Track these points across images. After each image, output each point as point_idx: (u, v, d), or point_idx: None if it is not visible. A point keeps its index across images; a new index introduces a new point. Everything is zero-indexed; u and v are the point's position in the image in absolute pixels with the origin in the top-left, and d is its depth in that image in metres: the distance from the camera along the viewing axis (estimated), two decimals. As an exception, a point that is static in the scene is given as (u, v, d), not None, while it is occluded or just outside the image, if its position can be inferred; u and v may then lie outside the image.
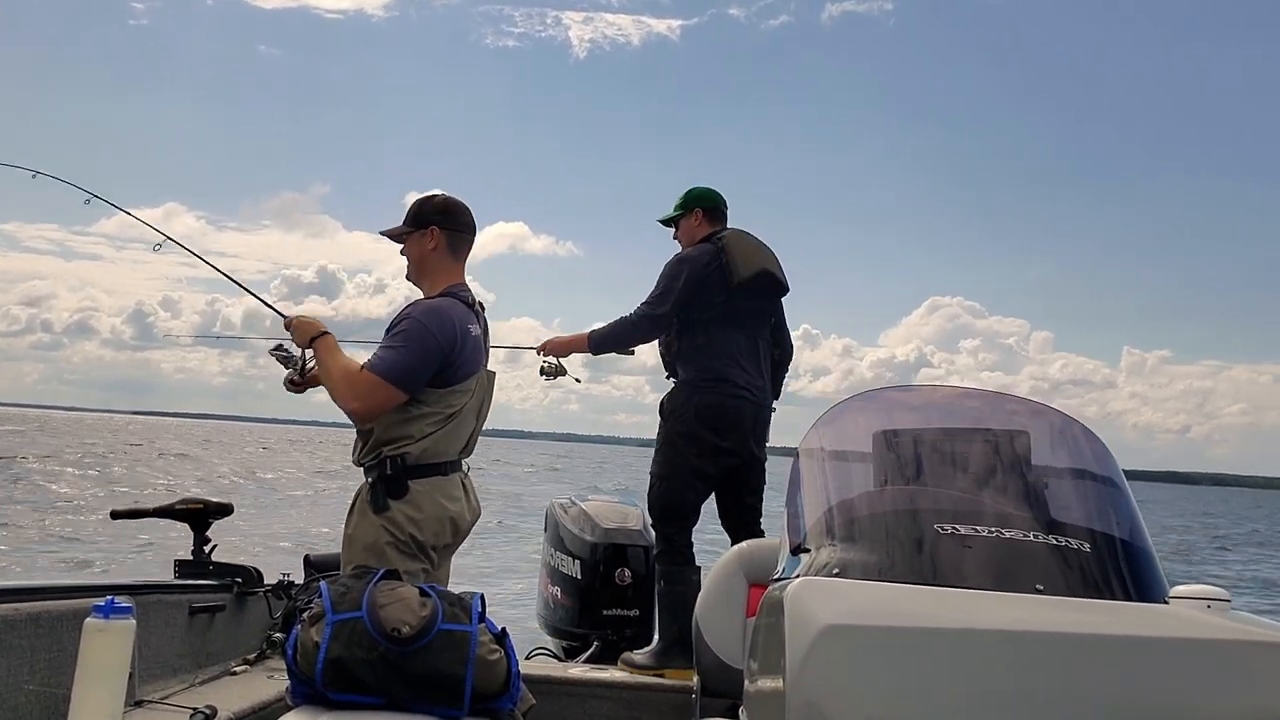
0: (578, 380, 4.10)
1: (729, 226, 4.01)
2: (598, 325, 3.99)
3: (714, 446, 3.77)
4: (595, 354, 4.00)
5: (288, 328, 3.08)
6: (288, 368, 3.14)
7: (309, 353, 3.05)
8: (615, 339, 3.94)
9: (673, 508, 3.79)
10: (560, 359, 3.99)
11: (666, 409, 3.86)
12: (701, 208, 4.01)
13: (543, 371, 4.00)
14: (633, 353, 4.06)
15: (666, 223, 4.10)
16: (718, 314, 3.81)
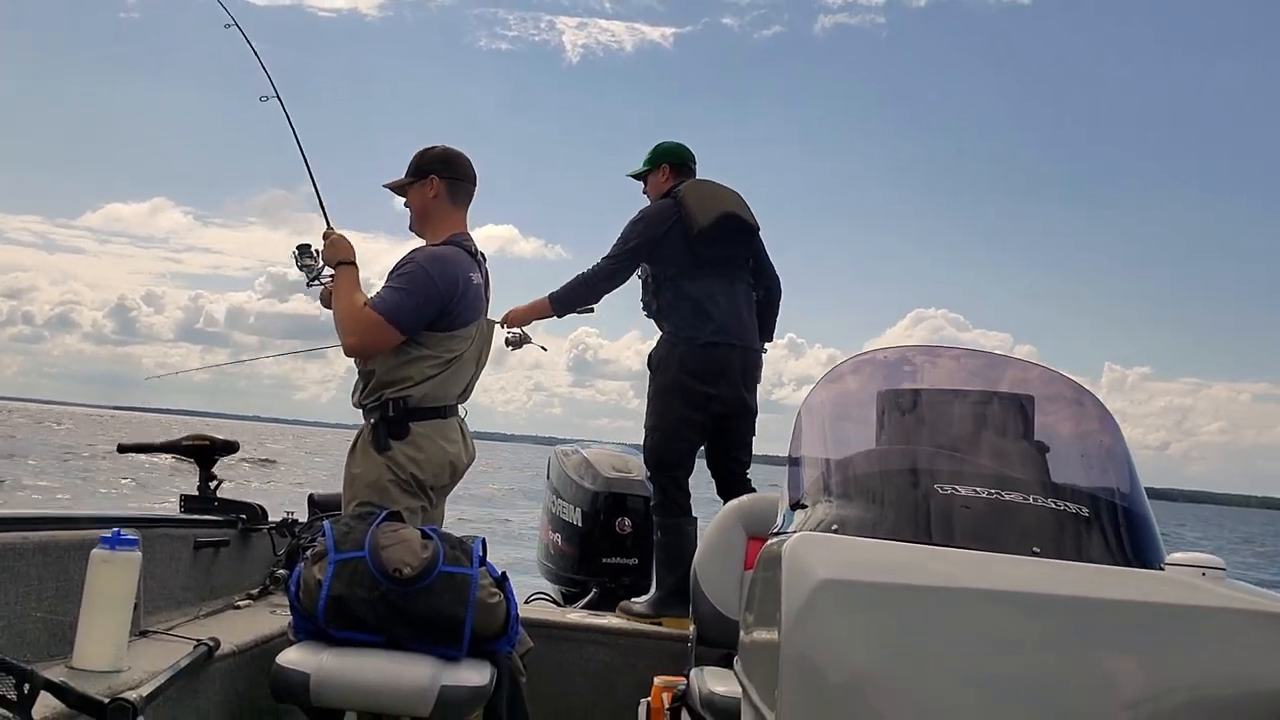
0: (544, 348, 4.10)
1: (685, 181, 3.99)
2: (554, 290, 3.95)
3: (703, 394, 3.79)
4: (560, 315, 4.00)
5: (326, 237, 3.13)
6: (301, 270, 3.17)
7: (328, 271, 3.09)
8: (576, 296, 3.95)
9: (666, 459, 3.82)
10: (523, 328, 3.99)
11: (654, 362, 3.89)
12: (669, 163, 4.02)
13: (508, 343, 4.01)
14: (593, 310, 4.05)
15: (637, 178, 4.11)
16: (685, 267, 3.82)
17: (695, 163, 4.07)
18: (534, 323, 4.01)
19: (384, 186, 3.14)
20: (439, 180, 3.06)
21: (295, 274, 3.21)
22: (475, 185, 3.14)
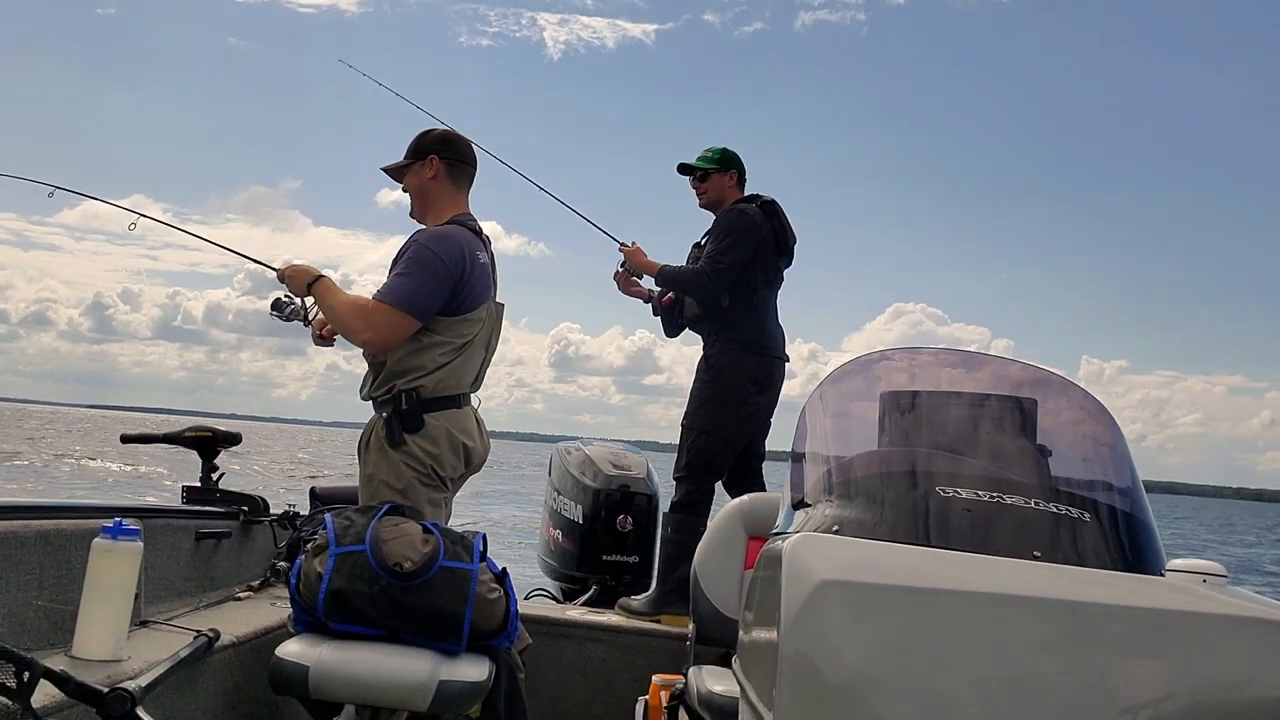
0: (651, 291, 4.14)
1: (758, 194, 3.98)
2: (669, 263, 4.00)
3: (758, 404, 3.83)
4: (658, 285, 4.05)
5: (281, 280, 3.05)
6: (289, 320, 3.11)
7: (309, 300, 3.02)
8: (682, 282, 3.96)
9: (712, 464, 3.82)
10: (632, 274, 4.10)
11: (716, 366, 3.85)
12: (736, 171, 4.00)
13: (622, 265, 4.11)
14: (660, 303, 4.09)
15: (690, 170, 4.03)
16: (766, 277, 3.88)
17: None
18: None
19: (381, 170, 3.04)
20: (439, 161, 2.96)
21: (273, 273, 3.13)
22: (475, 169, 3.05)
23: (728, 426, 3.81)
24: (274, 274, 3.09)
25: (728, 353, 3.84)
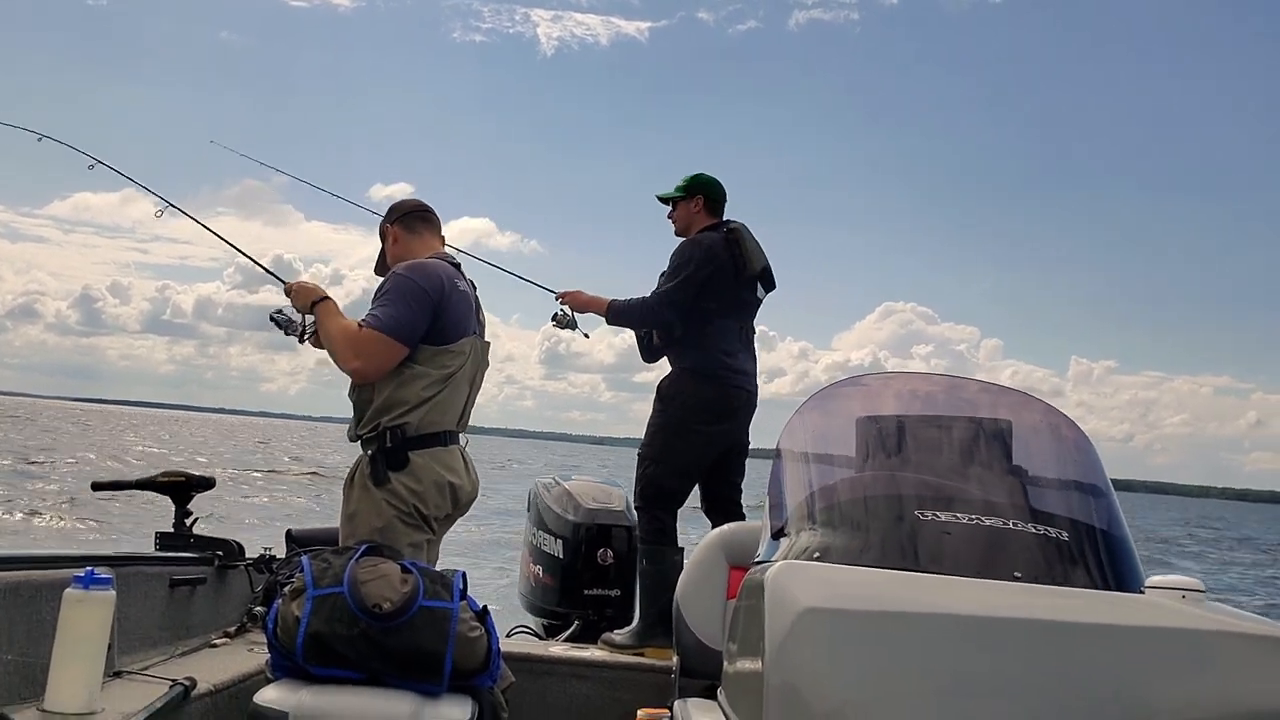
0: (586, 335, 4.15)
1: (729, 219, 4.02)
2: (619, 297, 3.99)
3: (711, 433, 3.81)
4: (610, 324, 4.02)
5: (287, 293, 3.10)
6: (288, 334, 3.16)
7: (309, 318, 3.06)
8: (632, 316, 3.97)
9: (665, 491, 3.81)
10: (576, 313, 4.05)
11: (667, 394, 3.86)
12: (704, 195, 4.02)
13: (554, 318, 4.08)
14: (588, 336, 4.13)
15: (665, 200, 4.09)
16: (723, 304, 3.86)
17: (726, 200, 4.09)
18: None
19: (375, 274, 3.15)
20: (394, 227, 3.11)
21: (281, 284, 3.19)
22: (428, 211, 3.17)
23: (678, 455, 3.80)
24: (281, 286, 3.16)
25: (676, 381, 3.86)
